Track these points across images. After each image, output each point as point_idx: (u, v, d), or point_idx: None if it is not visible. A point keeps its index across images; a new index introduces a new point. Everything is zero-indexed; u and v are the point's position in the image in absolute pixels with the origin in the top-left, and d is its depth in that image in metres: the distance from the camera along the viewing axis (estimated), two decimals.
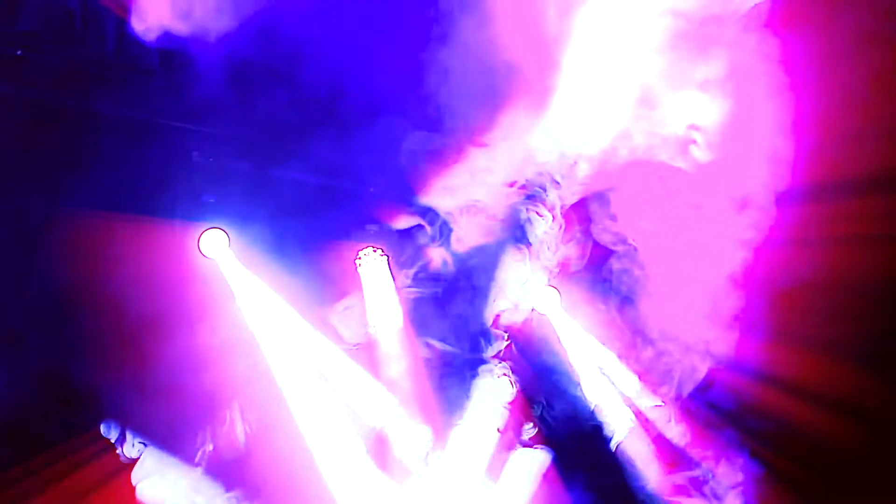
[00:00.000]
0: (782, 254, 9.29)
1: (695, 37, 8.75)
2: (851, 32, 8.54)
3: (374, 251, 9.78)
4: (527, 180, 9.61)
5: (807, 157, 8.93)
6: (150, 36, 8.30)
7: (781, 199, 9.13)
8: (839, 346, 9.35)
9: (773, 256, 9.31)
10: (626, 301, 10.02)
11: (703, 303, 9.57)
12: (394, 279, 9.86)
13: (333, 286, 9.73)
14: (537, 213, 9.74)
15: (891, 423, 9.50)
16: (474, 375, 10.17)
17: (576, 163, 9.43)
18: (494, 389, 10.19)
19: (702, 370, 9.96)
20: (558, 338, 10.41)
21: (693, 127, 9.10)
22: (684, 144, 9.16)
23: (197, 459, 9.10)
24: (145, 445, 8.89)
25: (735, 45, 8.74)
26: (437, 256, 9.85)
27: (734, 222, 9.26)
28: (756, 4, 8.61)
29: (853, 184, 8.91)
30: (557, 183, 9.59)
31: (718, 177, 9.17)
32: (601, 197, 9.72)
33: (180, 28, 8.28)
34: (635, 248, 9.74)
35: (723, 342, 9.70)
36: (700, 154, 9.10)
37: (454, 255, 9.84)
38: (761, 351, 9.72)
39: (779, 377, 9.81)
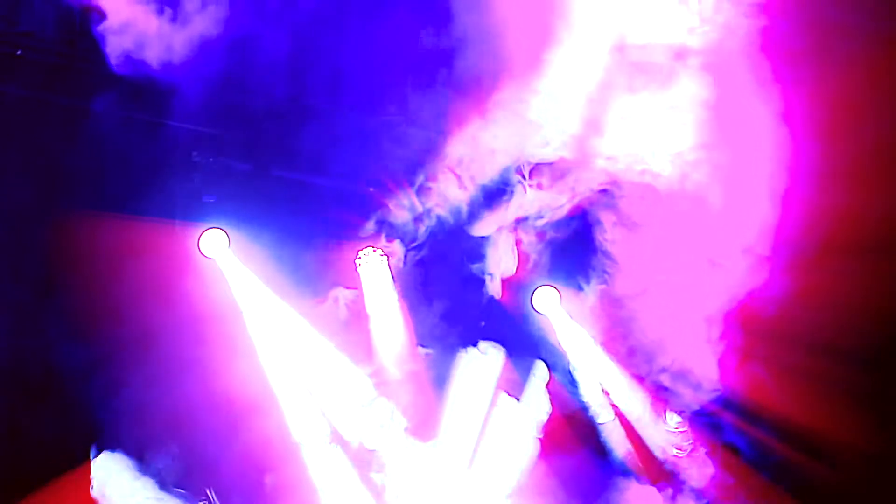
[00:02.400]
0: (758, 276, 9.40)
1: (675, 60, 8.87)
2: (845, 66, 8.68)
3: (374, 251, 9.78)
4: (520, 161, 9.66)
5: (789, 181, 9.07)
6: (122, 69, 8.37)
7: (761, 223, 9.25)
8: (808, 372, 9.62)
9: (747, 277, 9.41)
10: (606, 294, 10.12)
11: (675, 307, 9.68)
12: (393, 278, 9.87)
13: (333, 285, 9.73)
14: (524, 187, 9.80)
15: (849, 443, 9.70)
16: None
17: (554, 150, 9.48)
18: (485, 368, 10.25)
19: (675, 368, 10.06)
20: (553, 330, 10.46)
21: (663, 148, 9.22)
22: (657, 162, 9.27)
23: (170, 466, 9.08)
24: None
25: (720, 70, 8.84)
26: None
27: (708, 239, 9.38)
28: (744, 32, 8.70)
29: (838, 204, 9.05)
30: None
31: (689, 196, 9.30)
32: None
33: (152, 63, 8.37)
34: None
35: (694, 347, 9.84)
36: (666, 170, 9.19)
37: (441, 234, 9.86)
38: (731, 364, 9.88)
39: (745, 389, 10.01)
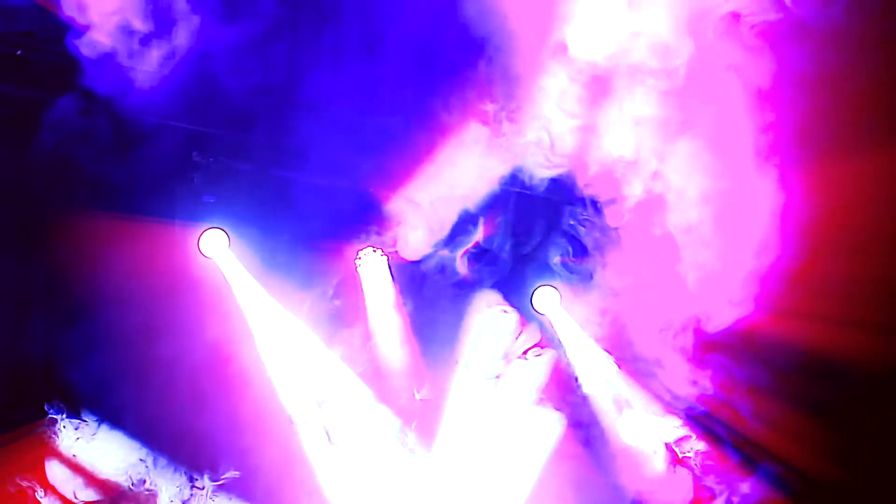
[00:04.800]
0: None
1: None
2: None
3: (374, 251, 9.78)
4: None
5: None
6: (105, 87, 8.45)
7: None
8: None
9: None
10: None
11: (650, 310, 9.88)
12: (393, 279, 9.88)
13: (332, 286, 9.73)
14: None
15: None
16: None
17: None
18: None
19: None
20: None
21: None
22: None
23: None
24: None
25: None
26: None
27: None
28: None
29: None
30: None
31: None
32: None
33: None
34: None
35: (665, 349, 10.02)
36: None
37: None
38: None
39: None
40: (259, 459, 9.36)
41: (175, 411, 8.98)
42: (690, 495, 10.21)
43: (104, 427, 8.84)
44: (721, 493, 10.14)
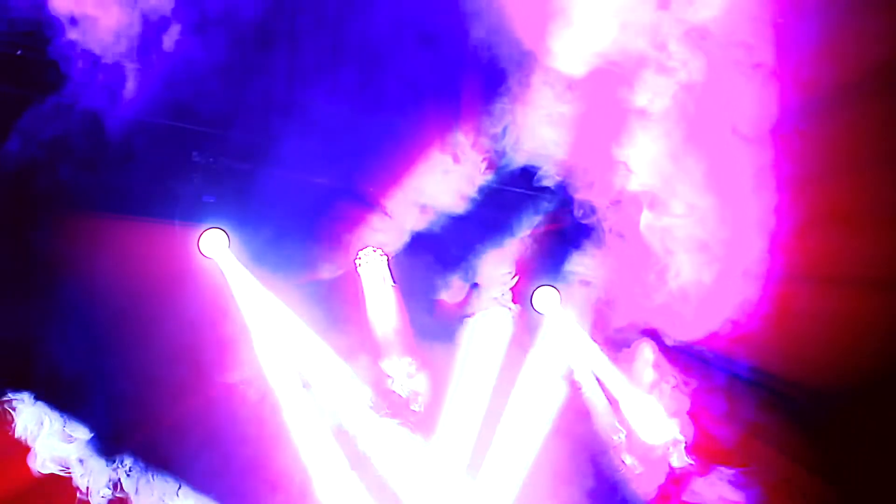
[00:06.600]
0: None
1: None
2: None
3: (374, 251, 9.78)
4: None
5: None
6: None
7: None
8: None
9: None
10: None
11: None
12: (393, 279, 9.89)
13: (332, 286, 9.74)
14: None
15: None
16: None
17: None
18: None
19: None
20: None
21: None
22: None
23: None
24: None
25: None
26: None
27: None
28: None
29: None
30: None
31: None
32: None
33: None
34: None
35: None
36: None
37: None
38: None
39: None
40: (258, 454, 9.38)
41: (175, 411, 8.99)
42: (658, 489, 10.32)
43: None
44: (689, 490, 10.23)
